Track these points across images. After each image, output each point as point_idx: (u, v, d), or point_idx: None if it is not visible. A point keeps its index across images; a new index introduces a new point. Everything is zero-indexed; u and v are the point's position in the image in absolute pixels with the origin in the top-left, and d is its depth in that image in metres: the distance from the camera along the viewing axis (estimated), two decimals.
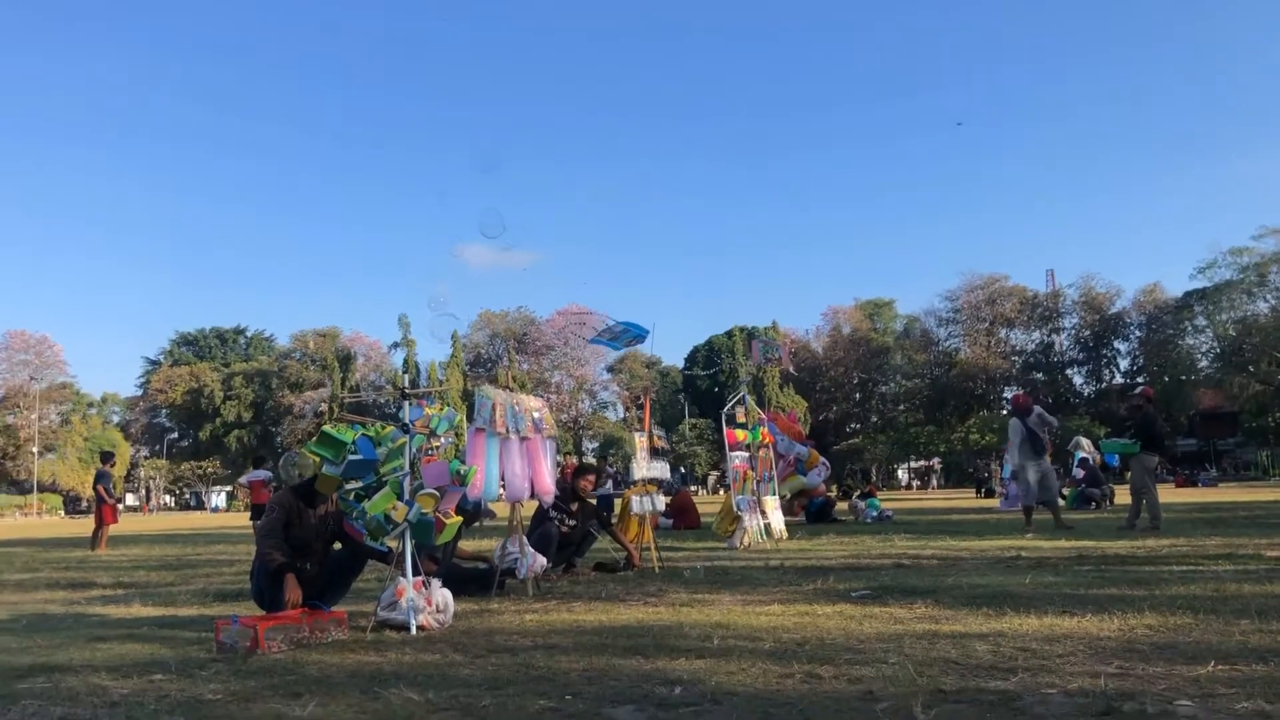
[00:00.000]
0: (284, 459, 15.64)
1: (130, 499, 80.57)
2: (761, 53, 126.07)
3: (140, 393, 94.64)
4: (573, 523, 9.18)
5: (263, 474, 19.32)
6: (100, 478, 18.84)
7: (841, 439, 78.84)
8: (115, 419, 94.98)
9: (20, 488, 79.48)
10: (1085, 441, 23.75)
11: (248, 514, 21.84)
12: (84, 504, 77.67)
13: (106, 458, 20.56)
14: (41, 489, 78.42)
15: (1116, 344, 79.60)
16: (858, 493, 21.48)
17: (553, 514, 9.00)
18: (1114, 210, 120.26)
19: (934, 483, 79.99)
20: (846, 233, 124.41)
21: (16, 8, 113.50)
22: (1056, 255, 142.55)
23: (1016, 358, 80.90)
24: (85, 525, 32.91)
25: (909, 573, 8.27)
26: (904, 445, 79.19)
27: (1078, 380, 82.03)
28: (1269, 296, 68.07)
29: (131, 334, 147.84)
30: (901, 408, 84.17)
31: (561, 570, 9.15)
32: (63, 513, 77.64)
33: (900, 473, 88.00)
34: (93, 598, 8.69)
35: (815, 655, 4.50)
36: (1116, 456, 16.78)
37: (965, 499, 34.52)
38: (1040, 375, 78.41)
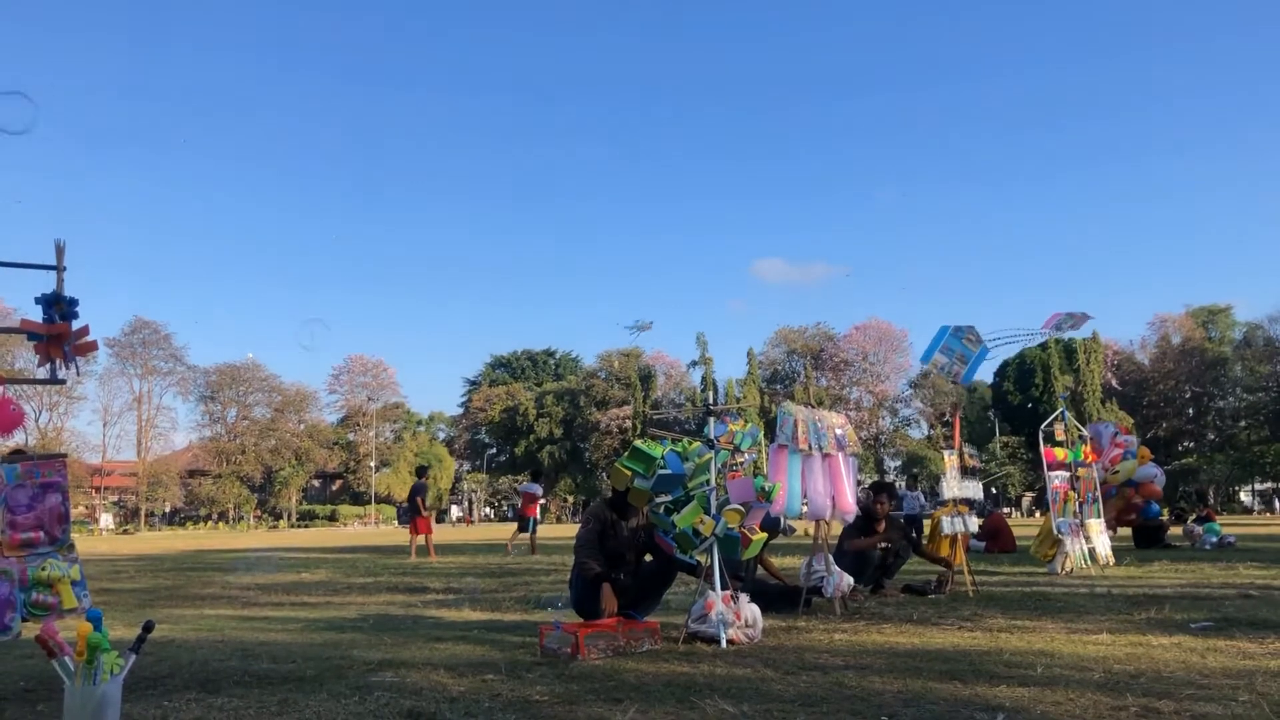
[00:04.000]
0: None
1: (455, 511, 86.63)
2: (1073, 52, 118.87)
3: (462, 411, 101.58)
4: (885, 545, 9.02)
5: (534, 488, 20.28)
6: (417, 490, 19.89)
7: (1173, 458, 72.60)
8: (441, 436, 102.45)
9: (360, 499, 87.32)
10: None
11: (554, 526, 22.78)
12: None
13: (422, 471, 21.89)
14: (378, 500, 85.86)
15: None
16: (1193, 516, 19.75)
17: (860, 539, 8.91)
18: None
19: (1272, 506, 72.38)
20: (1173, 234, 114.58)
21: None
22: None
23: None
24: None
25: (1259, 604, 7.51)
26: (1246, 465, 71.98)
27: None
28: None
29: (452, 358, 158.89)
30: (1243, 424, 76.50)
31: (870, 590, 9.00)
32: (396, 522, 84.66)
33: (1243, 495, 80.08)
34: (428, 601, 9.42)
35: (1152, 689, 4.17)
36: None
37: None
38: None
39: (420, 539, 18.64)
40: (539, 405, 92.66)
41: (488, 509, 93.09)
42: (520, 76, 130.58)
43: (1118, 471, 17.04)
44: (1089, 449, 13.14)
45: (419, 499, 19.47)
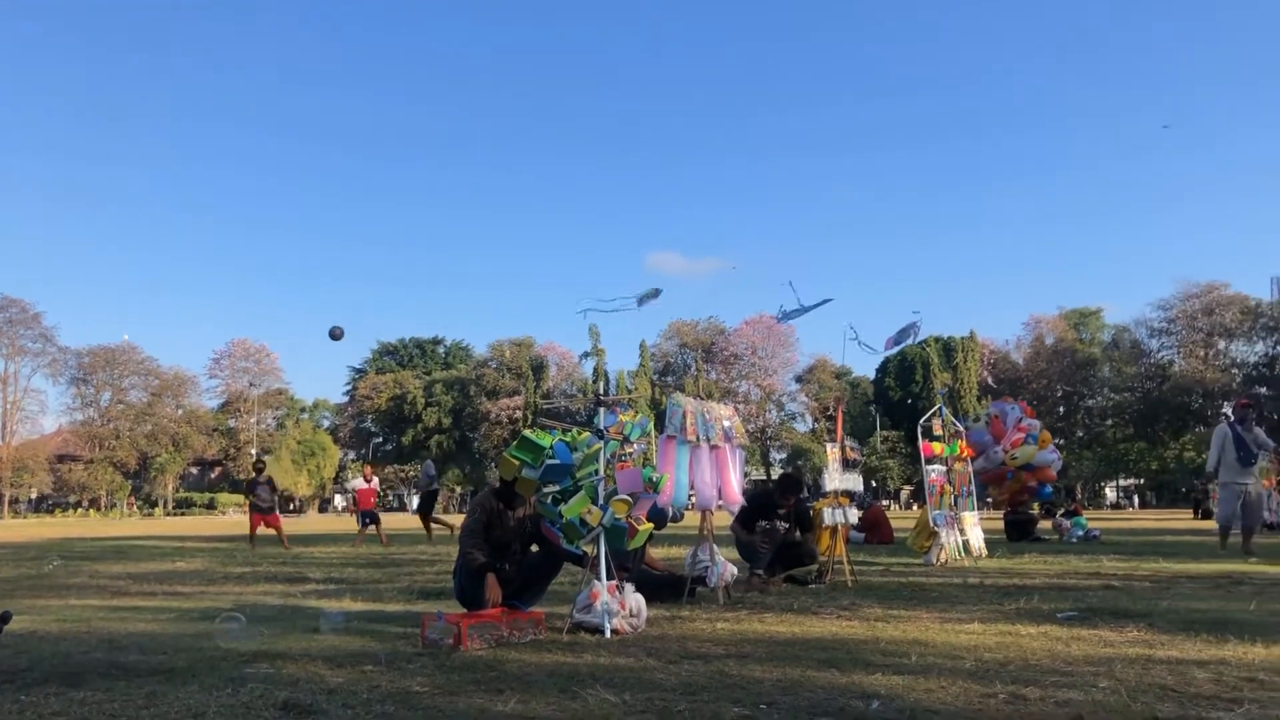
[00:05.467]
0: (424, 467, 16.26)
1: (339, 500, 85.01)
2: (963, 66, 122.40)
3: (347, 399, 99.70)
4: (785, 525, 9.13)
5: (359, 482, 20.51)
6: (249, 486, 20.10)
7: None
8: (325, 423, 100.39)
9: (239, 487, 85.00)
10: None
11: (441, 516, 22.80)
12: (297, 502, 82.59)
13: (258, 467, 21.35)
14: None
15: None
16: (1062, 510, 20.51)
17: (762, 523, 9.02)
18: None
19: (1134, 502, 75.89)
20: (1050, 239, 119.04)
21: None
22: None
23: (1236, 371, 75.49)
24: (299, 523, 35.04)
25: (1119, 594, 7.86)
26: (1112, 462, 75.27)
27: None
28: None
29: (339, 345, 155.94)
30: (1109, 422, 79.85)
31: (782, 578, 9.11)
32: (278, 511, 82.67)
33: (1108, 491, 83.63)
34: (307, 591, 9.21)
35: (1019, 676, 4.33)
36: None
37: (1180, 520, 32.55)
38: (1264, 390, 72.84)
39: (264, 529, 19.02)
40: (427, 394, 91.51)
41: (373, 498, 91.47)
42: (411, 61, 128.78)
43: (1016, 456, 17.56)
44: (964, 444, 13.57)
45: (251, 495, 19.68)
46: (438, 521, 20.58)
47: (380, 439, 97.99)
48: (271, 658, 5.05)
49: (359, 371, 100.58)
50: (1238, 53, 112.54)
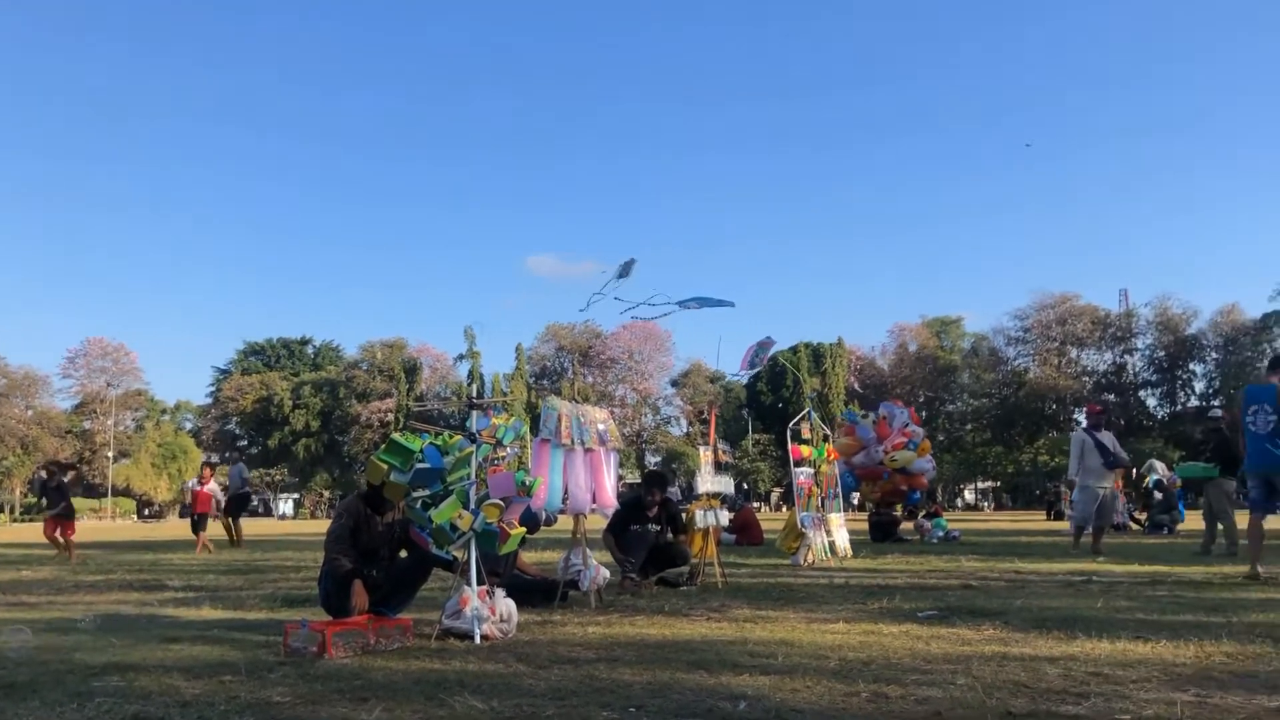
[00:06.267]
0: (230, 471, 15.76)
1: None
2: (825, 75, 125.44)
3: (211, 401, 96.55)
4: (656, 527, 9.17)
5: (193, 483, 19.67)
6: (41, 489, 18.38)
7: None
8: (188, 426, 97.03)
9: (95, 492, 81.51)
10: (1160, 465, 23.20)
11: (308, 521, 22.12)
12: (156, 507, 79.56)
13: (49, 469, 19.48)
14: (115, 493, 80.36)
15: (1192, 366, 77.64)
16: (923, 512, 21.16)
17: (634, 527, 9.04)
18: (1191, 230, 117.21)
19: (989, 504, 78.86)
20: (915, 249, 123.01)
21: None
22: (1131, 275, 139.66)
23: (1088, 378, 79.25)
24: (159, 529, 33.67)
25: (976, 594, 8.14)
26: (971, 465, 78.06)
27: (1151, 402, 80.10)
28: None
29: (202, 344, 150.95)
30: (969, 427, 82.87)
31: (654, 580, 9.14)
32: (135, 517, 79.48)
33: (967, 493, 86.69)
34: (164, 600, 8.87)
35: (881, 675, 4.44)
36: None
37: (1034, 521, 33.93)
38: (1112, 396, 76.70)
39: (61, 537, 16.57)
40: (295, 396, 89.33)
41: (210, 503, 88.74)
42: (273, 45, 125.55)
43: (896, 459, 18.12)
44: (831, 447, 13.88)
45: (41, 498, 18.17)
46: (230, 528, 19.72)
47: (246, 442, 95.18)
48: (123, 670, 4.84)
49: (224, 372, 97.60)
50: (1089, 65, 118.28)
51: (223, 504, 19.87)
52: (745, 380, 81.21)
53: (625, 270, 7.79)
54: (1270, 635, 5.42)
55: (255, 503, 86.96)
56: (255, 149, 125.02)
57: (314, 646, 5.17)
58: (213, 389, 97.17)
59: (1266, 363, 10.78)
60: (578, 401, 8.17)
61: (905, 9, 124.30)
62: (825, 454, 13.27)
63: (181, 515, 78.22)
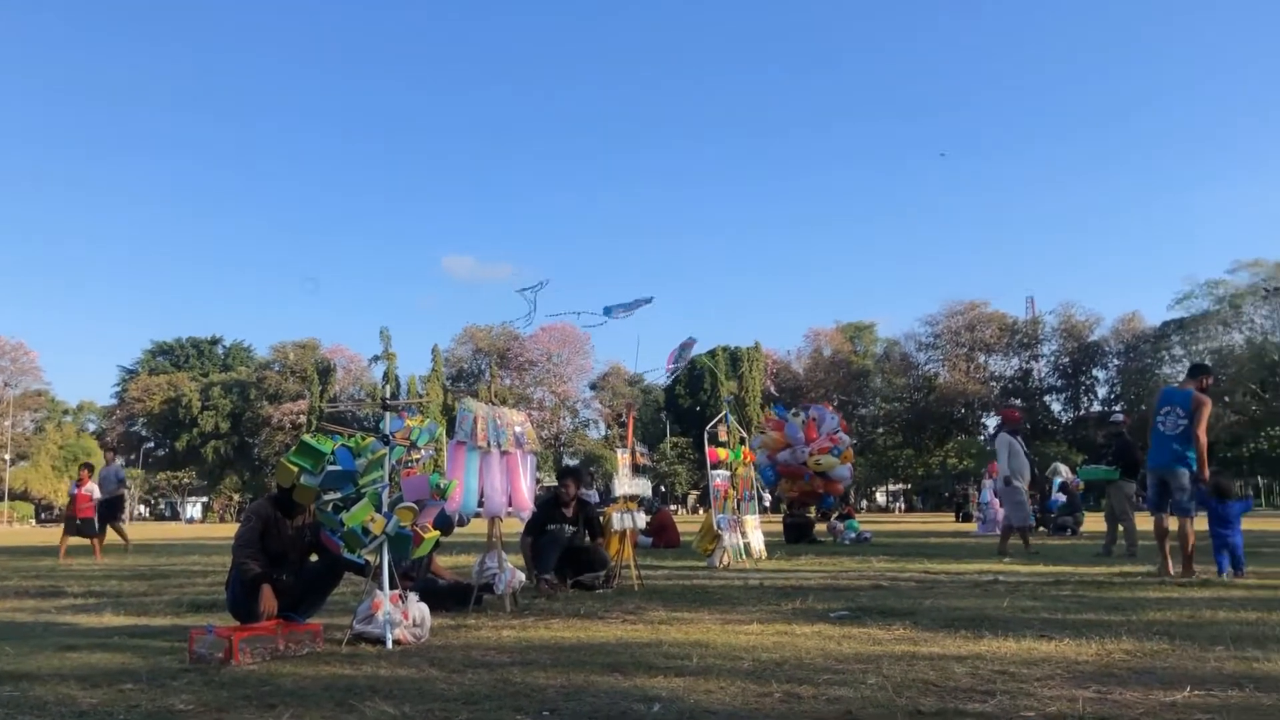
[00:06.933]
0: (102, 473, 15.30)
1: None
2: (745, 76, 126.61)
3: (116, 401, 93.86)
4: (573, 528, 9.15)
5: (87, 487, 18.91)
6: None
7: None
8: (91, 427, 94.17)
9: None
10: (1064, 468, 23.88)
11: (217, 525, 21.53)
12: (55, 512, 76.85)
13: None
14: (13, 497, 77.59)
15: (1095, 372, 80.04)
16: (836, 514, 21.44)
17: (550, 527, 9.01)
18: (1095, 239, 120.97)
19: (900, 505, 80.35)
20: (829, 255, 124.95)
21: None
22: (1037, 282, 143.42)
23: (995, 383, 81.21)
24: (58, 535, 32.53)
25: (887, 594, 8.27)
26: (882, 468, 79.43)
27: (1055, 407, 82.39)
28: (1243, 328, 68.84)
29: (107, 343, 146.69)
30: (880, 430, 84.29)
31: (571, 584, 9.10)
32: (34, 521, 76.80)
33: (879, 495, 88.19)
34: (63, 606, 8.57)
35: (794, 675, 4.48)
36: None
37: (943, 523, 34.63)
38: (1019, 401, 78.57)
39: None
40: (204, 397, 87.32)
41: (142, 506, 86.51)
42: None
43: (820, 463, 18.36)
44: (748, 450, 14.00)
45: None
46: (116, 530, 19.09)
47: (153, 444, 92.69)
48: (16, 679, 4.66)
49: (130, 372, 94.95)
50: (1001, 70, 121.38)
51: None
52: (665, 383, 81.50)
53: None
54: (1167, 633, 5.61)
55: (146, 509, 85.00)
56: (169, 134, 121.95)
57: (220, 652, 5.05)
58: (118, 389, 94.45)
59: (1187, 367, 11.25)
60: (495, 404, 8.11)
61: (826, 7, 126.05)
62: (741, 456, 13.38)
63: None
